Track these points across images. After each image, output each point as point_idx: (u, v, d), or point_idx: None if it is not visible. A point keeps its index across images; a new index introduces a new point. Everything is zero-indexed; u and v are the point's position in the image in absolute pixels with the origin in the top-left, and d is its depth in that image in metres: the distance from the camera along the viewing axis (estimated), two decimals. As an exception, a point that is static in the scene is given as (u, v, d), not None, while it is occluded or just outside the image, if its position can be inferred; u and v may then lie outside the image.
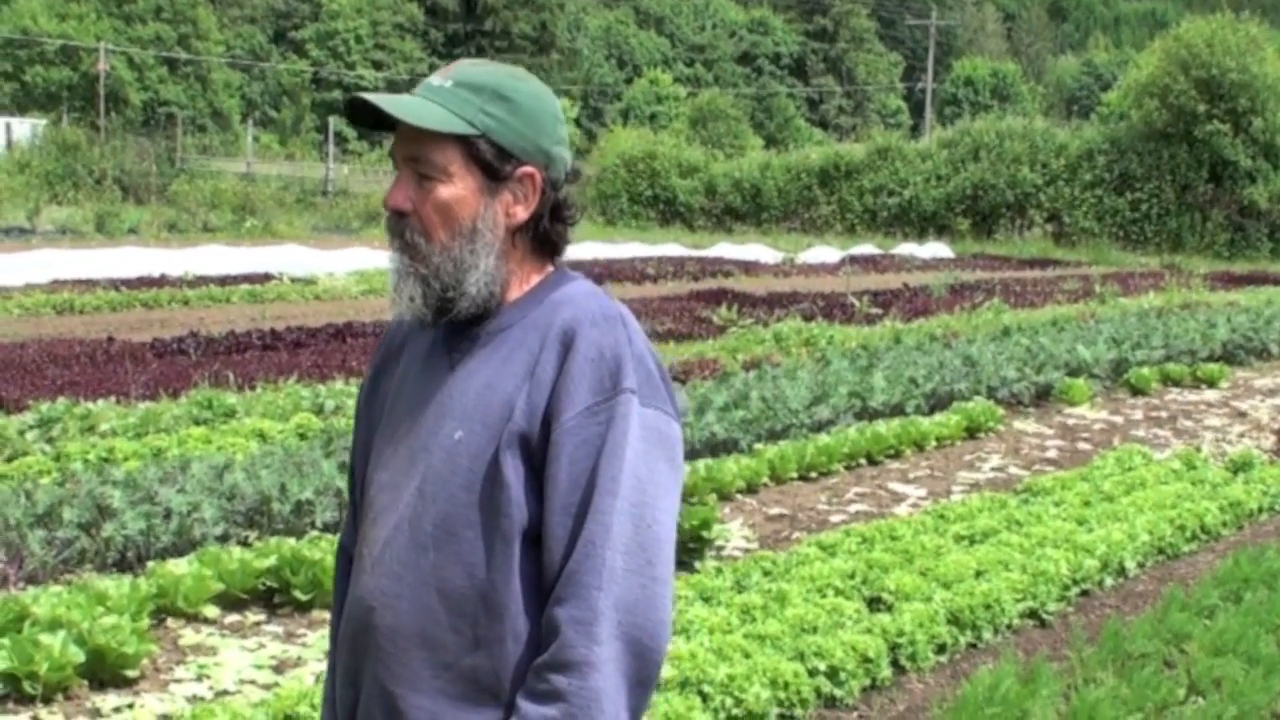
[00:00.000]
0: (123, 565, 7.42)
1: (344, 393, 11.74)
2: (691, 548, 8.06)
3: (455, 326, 2.42)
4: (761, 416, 11.34)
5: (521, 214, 2.39)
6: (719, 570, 7.48)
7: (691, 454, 10.31)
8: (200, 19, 75.84)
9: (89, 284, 22.26)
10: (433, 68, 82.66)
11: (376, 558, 2.41)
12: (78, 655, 5.89)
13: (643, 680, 2.25)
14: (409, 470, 2.40)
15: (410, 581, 2.35)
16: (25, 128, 50.33)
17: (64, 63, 69.23)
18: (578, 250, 34.60)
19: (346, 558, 2.60)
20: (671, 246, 39.49)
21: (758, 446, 10.80)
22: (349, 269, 26.52)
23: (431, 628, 2.33)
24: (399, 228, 2.38)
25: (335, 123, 63.42)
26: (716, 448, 10.68)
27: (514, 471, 2.30)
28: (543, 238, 2.44)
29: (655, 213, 51.70)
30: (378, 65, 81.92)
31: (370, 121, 2.41)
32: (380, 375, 2.62)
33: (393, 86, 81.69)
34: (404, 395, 2.49)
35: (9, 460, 9.58)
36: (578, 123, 77.03)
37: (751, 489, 10.08)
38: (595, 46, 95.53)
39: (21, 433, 10.34)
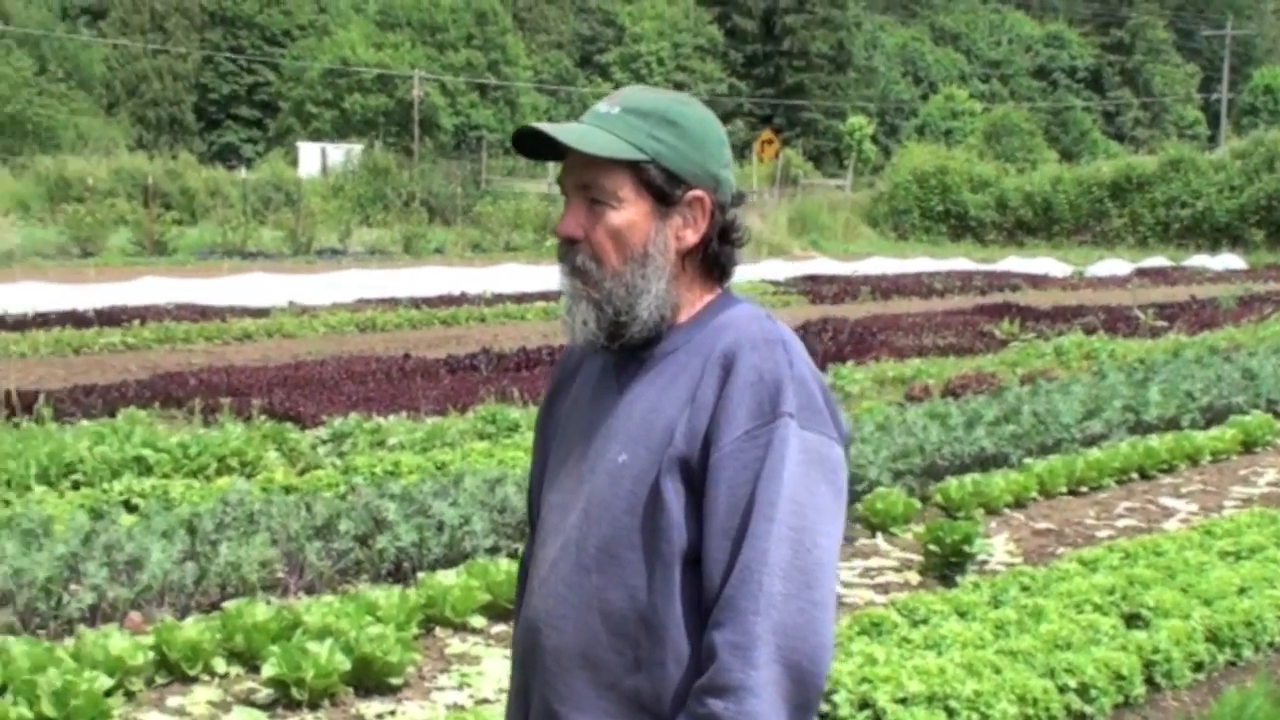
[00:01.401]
0: (397, 576, 7.65)
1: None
2: (953, 562, 8.04)
3: (625, 350, 2.43)
4: (1032, 431, 11.24)
5: (691, 238, 2.40)
6: (976, 585, 7.41)
7: (960, 468, 10.34)
8: (509, 45, 77.97)
9: (392, 303, 22.99)
10: (732, 88, 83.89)
11: (544, 578, 2.45)
12: (344, 663, 6.08)
13: (802, 705, 2.22)
14: (576, 492, 2.43)
15: (574, 603, 2.37)
16: (339, 153, 52.37)
17: (380, 90, 71.93)
18: (867, 265, 34.54)
19: (526, 576, 2.64)
20: (960, 260, 39.27)
21: (1027, 461, 10.70)
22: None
23: (594, 649, 2.34)
24: (571, 255, 2.41)
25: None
26: (986, 462, 10.60)
27: (674, 495, 2.29)
28: (711, 261, 2.45)
29: (946, 227, 51.13)
30: (679, 86, 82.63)
31: (538, 151, 2.44)
32: (555, 398, 2.66)
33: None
34: (576, 418, 2.53)
35: (301, 473, 9.98)
36: (874, 139, 76.55)
37: (1019, 503, 10.01)
38: (891, 64, 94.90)
39: (314, 447, 10.76)
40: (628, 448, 2.36)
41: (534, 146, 2.43)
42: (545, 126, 2.34)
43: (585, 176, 2.37)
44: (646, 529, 2.31)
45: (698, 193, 2.39)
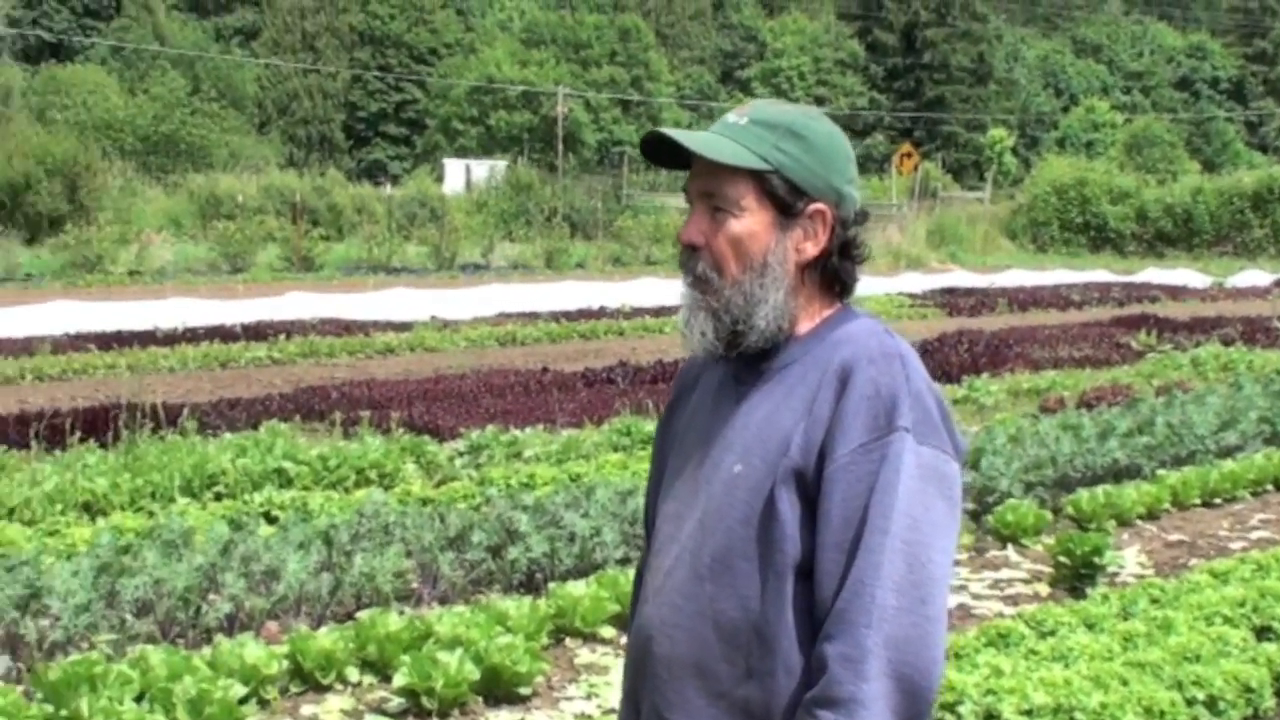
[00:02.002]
0: (529, 586, 7.69)
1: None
2: (1083, 574, 7.98)
3: (744, 361, 2.45)
4: (1166, 442, 11.17)
5: (811, 250, 2.41)
6: (1105, 597, 7.33)
7: (1092, 480, 10.27)
8: (652, 62, 78.42)
9: (531, 317, 23.20)
10: (873, 102, 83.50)
11: (658, 587, 2.46)
12: (473, 673, 6.12)
13: (913, 718, 2.21)
14: (692, 502, 2.45)
15: (688, 612, 2.38)
16: (483, 169, 52.95)
17: (525, 107, 72.64)
18: (1004, 277, 34.28)
19: (641, 585, 2.65)
20: (1099, 273, 39.20)
21: (1160, 472, 10.61)
22: (781, 299, 26.84)
23: (706, 658, 2.35)
24: (691, 262, 2.42)
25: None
26: (1119, 474, 10.55)
27: (789, 506, 2.30)
28: (831, 275, 2.45)
29: (1085, 239, 50.64)
30: (819, 101, 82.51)
31: (665, 158, 2.46)
32: (674, 409, 2.68)
33: (834, 120, 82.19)
34: (693, 428, 2.55)
35: (438, 485, 10.09)
36: (1014, 152, 75.85)
37: (1152, 515, 9.96)
38: (1032, 76, 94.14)
39: (451, 459, 10.87)
40: (744, 458, 2.37)
41: (661, 153, 2.46)
42: (672, 132, 2.37)
43: (709, 184, 2.39)
44: (761, 539, 2.32)
45: (819, 206, 2.40)
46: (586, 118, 73.96)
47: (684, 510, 2.46)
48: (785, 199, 2.37)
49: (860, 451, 2.26)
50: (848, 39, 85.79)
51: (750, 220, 2.37)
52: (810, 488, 2.29)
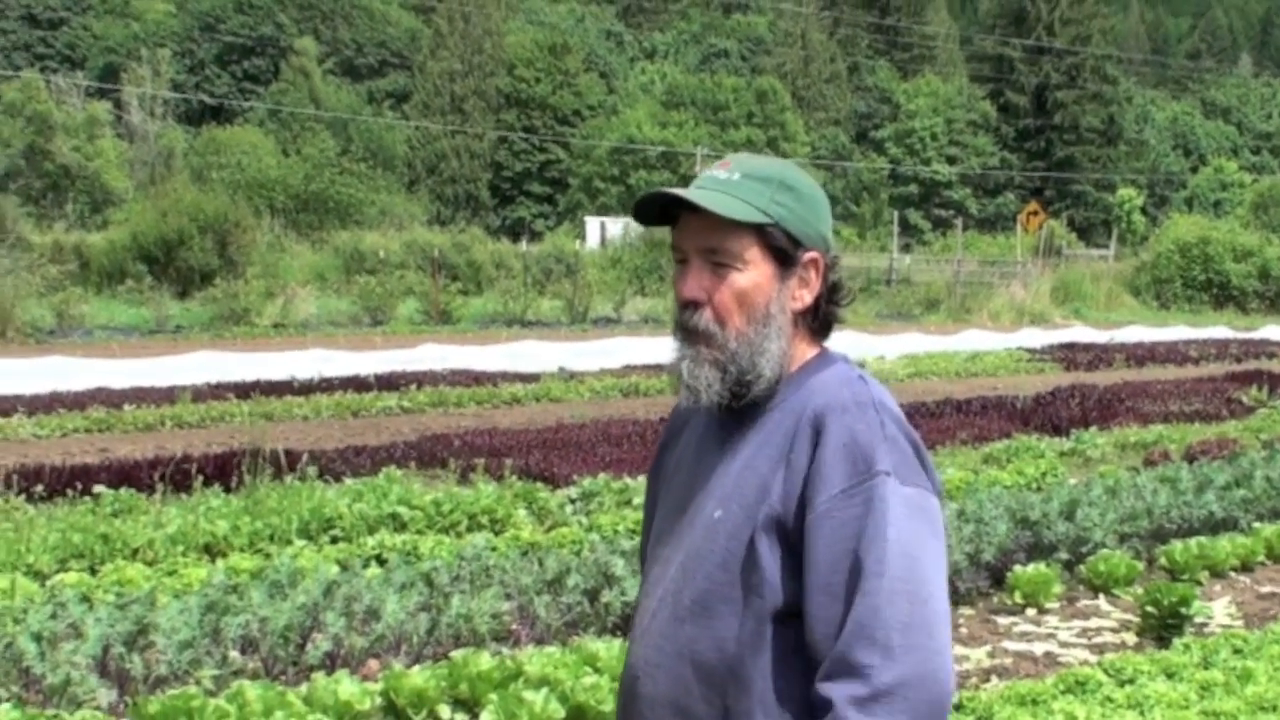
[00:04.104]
0: (625, 628, 7.76)
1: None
2: (1170, 624, 7.92)
3: (727, 407, 2.49)
4: (1263, 495, 11.11)
5: (807, 298, 2.49)
6: (1187, 647, 7.31)
7: (1187, 531, 10.26)
8: (788, 122, 78.71)
9: (656, 368, 23.17)
10: (1003, 161, 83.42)
11: (645, 628, 2.53)
12: (558, 711, 6.20)
13: None
14: (677, 545, 2.51)
15: (669, 652, 2.45)
16: (617, 227, 53.43)
17: (664, 166, 73.16)
18: (1124, 333, 34.05)
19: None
20: (1219, 329, 38.77)
21: (1256, 525, 10.53)
22: (901, 352, 26.82)
23: (685, 698, 2.42)
24: (692, 318, 2.47)
25: (910, 215, 64.05)
26: (1215, 526, 10.51)
27: (769, 553, 2.36)
28: (822, 321, 2.52)
29: (1208, 296, 49.85)
30: (951, 160, 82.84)
31: (651, 216, 2.54)
32: (665, 452, 2.76)
33: (965, 180, 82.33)
34: (680, 472, 2.62)
35: (548, 530, 10.23)
36: (1143, 211, 75.17)
37: (1246, 567, 9.89)
38: (1162, 137, 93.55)
39: (562, 505, 11.02)
40: (723, 504, 2.43)
41: (649, 212, 2.53)
42: (681, 191, 2.44)
43: (711, 240, 2.44)
44: (742, 584, 2.37)
45: (813, 255, 2.47)
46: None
47: (670, 554, 2.52)
48: (786, 250, 2.44)
49: (841, 497, 2.30)
50: (980, 100, 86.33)
51: (754, 273, 2.43)
52: (792, 535, 2.34)
